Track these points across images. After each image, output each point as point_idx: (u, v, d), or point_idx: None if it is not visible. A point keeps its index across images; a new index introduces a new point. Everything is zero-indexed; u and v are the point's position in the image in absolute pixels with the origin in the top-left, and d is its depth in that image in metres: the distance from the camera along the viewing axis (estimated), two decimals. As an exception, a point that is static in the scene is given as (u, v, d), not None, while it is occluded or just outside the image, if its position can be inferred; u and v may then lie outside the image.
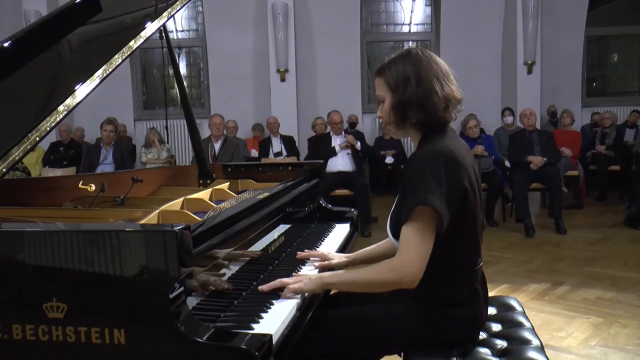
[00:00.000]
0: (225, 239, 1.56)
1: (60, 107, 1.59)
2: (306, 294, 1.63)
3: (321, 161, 2.97)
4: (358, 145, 5.99)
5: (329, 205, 2.74)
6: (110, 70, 1.76)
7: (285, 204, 2.14)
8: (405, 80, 1.54)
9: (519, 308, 1.92)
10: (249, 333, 1.29)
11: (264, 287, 1.61)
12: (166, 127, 7.98)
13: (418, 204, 1.45)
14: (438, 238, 1.51)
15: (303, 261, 1.93)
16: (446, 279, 1.60)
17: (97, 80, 1.70)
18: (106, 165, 6.36)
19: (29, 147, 1.51)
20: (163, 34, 2.59)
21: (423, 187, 1.46)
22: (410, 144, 8.70)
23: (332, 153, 5.93)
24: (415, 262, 1.46)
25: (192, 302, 1.38)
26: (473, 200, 1.56)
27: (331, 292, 1.96)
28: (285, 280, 1.63)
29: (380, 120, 1.67)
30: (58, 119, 1.57)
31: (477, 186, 1.61)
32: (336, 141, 6.02)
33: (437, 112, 1.55)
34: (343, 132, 6.17)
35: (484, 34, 8.75)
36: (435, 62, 1.58)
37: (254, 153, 7.44)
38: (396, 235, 1.57)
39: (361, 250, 2.00)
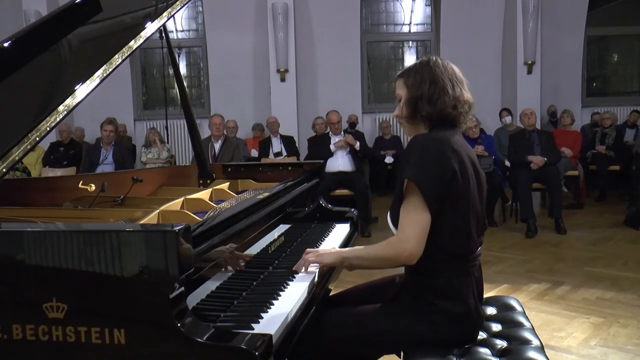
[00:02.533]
0: (225, 239, 1.56)
1: (60, 107, 1.59)
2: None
3: (321, 161, 2.97)
4: (357, 145, 5.98)
5: (329, 205, 2.74)
6: (110, 70, 1.75)
7: (285, 204, 2.14)
8: (422, 80, 1.68)
9: (519, 308, 1.93)
10: (249, 333, 1.28)
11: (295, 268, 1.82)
12: (166, 127, 7.98)
13: (405, 177, 1.57)
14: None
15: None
16: (436, 266, 1.62)
17: (97, 80, 1.70)
18: (106, 165, 6.36)
19: (29, 147, 1.51)
20: (163, 34, 2.59)
21: (412, 164, 1.57)
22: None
23: (330, 154, 5.92)
24: (411, 237, 1.55)
25: (192, 302, 1.38)
26: (463, 185, 1.61)
27: (331, 293, 1.97)
28: (306, 256, 1.80)
29: (395, 119, 1.81)
30: (58, 119, 1.57)
31: (477, 179, 1.67)
32: (334, 141, 6.02)
33: (445, 108, 1.66)
34: (342, 132, 6.16)
35: (484, 34, 8.75)
36: (452, 68, 1.71)
37: (254, 153, 7.43)
38: (393, 220, 1.67)
39: (354, 248, 2.03)
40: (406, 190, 1.58)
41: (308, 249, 1.87)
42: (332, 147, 5.95)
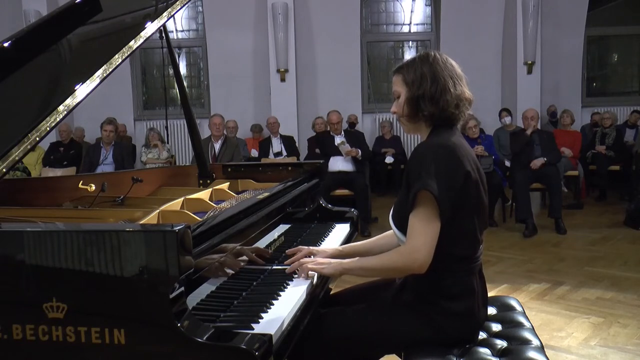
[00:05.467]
0: (225, 239, 1.56)
1: (60, 107, 1.59)
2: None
3: (321, 161, 2.97)
4: (359, 155, 5.95)
5: (329, 205, 2.74)
6: (110, 70, 1.75)
7: (285, 204, 2.14)
8: (422, 77, 1.63)
9: (519, 308, 1.92)
10: (249, 333, 1.29)
11: (287, 271, 1.76)
12: (166, 127, 7.97)
13: (420, 189, 1.52)
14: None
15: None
16: (441, 268, 1.61)
17: (97, 80, 1.70)
18: (106, 165, 6.36)
19: (29, 147, 1.51)
20: (163, 34, 2.59)
21: (425, 174, 1.53)
22: (410, 144, 8.70)
23: (331, 153, 5.90)
24: (422, 247, 1.53)
25: (192, 302, 1.38)
26: (475, 187, 1.59)
27: (331, 292, 1.97)
28: (305, 260, 1.75)
29: (394, 115, 1.75)
30: (58, 119, 1.57)
31: (482, 182, 1.65)
32: (337, 140, 6.01)
33: (448, 107, 1.62)
34: (342, 132, 6.16)
35: (484, 34, 8.75)
36: (451, 64, 1.67)
37: (254, 153, 7.44)
38: (397, 223, 1.65)
39: (349, 245, 2.04)
40: (418, 198, 1.53)
41: (301, 247, 1.89)
42: (337, 140, 5.92)
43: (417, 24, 9.50)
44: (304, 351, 1.62)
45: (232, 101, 8.67)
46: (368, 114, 9.11)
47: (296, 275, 1.75)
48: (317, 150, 6.13)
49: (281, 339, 1.39)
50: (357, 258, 1.76)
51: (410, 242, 1.55)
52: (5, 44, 1.71)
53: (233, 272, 1.64)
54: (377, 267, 1.66)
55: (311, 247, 1.93)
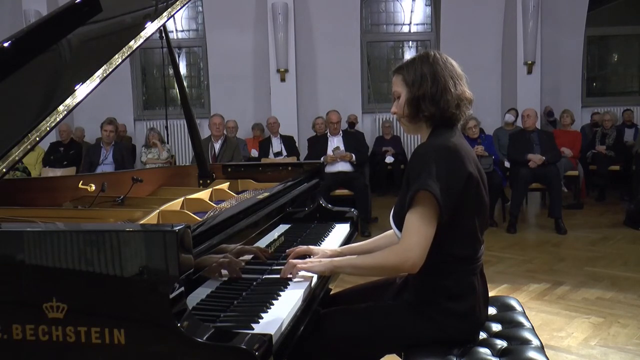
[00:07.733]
0: (225, 239, 1.56)
1: (60, 107, 1.59)
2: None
3: (321, 161, 2.97)
4: (353, 158, 5.95)
5: (329, 205, 2.74)
6: (110, 70, 1.75)
7: (285, 204, 2.14)
8: (422, 77, 1.62)
9: (519, 308, 1.92)
10: (249, 333, 1.28)
11: (281, 275, 1.74)
12: (166, 127, 7.98)
13: (419, 189, 1.51)
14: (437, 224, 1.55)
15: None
16: (442, 268, 1.61)
17: (97, 80, 1.70)
18: (106, 165, 6.36)
19: (29, 147, 1.51)
20: (163, 34, 2.59)
21: (425, 174, 1.51)
22: (410, 144, 8.69)
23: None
24: (416, 246, 1.52)
25: (192, 302, 1.38)
26: (476, 188, 1.59)
27: (331, 292, 1.97)
28: (295, 261, 1.75)
29: (394, 115, 1.75)
30: (58, 119, 1.57)
31: (483, 182, 1.64)
32: (333, 142, 6.01)
33: (449, 108, 1.62)
34: (340, 132, 6.16)
35: (484, 34, 8.75)
36: (451, 64, 1.66)
37: (254, 153, 7.44)
38: (397, 223, 1.64)
39: (347, 246, 2.04)
40: (417, 198, 1.52)
41: (300, 246, 1.89)
42: (330, 153, 5.93)
43: (417, 24, 9.50)
44: (304, 351, 1.62)
45: (232, 101, 8.67)
46: (368, 114, 9.11)
47: (295, 278, 1.75)
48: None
49: (281, 339, 1.39)
50: (352, 256, 1.75)
51: (404, 241, 1.54)
52: (5, 44, 1.71)
53: (233, 272, 1.64)
54: (368, 265, 1.65)
55: (311, 247, 1.93)
